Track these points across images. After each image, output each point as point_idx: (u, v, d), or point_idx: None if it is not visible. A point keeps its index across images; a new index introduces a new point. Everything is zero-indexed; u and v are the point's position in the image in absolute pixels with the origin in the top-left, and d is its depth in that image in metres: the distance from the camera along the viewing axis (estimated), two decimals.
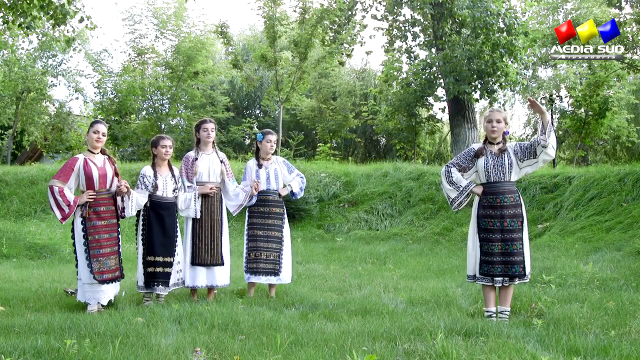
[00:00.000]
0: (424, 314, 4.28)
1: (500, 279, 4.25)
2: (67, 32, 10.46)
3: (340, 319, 4.22)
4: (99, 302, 4.75)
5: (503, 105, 16.69)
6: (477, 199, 4.45)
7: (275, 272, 5.38)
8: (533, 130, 25.37)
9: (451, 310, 4.50)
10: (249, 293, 5.38)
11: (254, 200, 5.43)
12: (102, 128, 4.90)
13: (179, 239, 5.21)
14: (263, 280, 5.36)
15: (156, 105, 22.08)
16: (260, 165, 5.47)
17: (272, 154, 5.59)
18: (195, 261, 5.17)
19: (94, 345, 3.40)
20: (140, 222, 5.08)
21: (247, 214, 5.50)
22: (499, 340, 3.44)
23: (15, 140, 22.24)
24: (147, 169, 5.14)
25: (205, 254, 5.20)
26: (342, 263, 8.18)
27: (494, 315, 4.30)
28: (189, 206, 5.18)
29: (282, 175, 5.56)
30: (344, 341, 3.46)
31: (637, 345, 3.34)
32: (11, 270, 7.51)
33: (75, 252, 4.84)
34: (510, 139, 4.68)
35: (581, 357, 3.20)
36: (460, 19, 14.83)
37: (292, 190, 5.56)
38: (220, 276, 5.28)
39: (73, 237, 4.85)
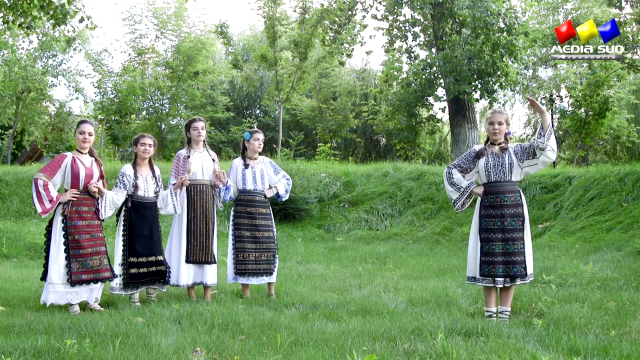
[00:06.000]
0: (424, 314, 4.28)
1: (501, 279, 4.24)
2: (67, 32, 10.49)
3: (340, 319, 4.22)
4: (72, 303, 4.62)
5: (503, 105, 16.67)
6: (479, 199, 4.45)
7: (269, 272, 5.39)
8: (533, 130, 25.34)
9: (451, 310, 4.50)
10: (244, 294, 5.38)
11: (231, 193, 5.40)
12: (89, 128, 4.76)
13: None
14: (254, 281, 5.36)
15: (156, 105, 22.11)
16: (247, 165, 5.46)
17: (259, 154, 5.60)
18: (190, 259, 5.17)
19: (94, 345, 3.39)
20: (122, 223, 4.99)
21: (232, 214, 5.46)
22: (499, 340, 3.44)
23: (15, 140, 22.24)
24: (127, 168, 5.07)
25: (199, 252, 5.21)
26: (342, 263, 8.18)
27: (494, 315, 4.30)
28: (167, 204, 5.14)
29: (268, 175, 5.56)
30: (344, 341, 3.46)
31: (637, 345, 3.34)
32: (11, 270, 7.50)
33: (46, 250, 4.70)
34: (511, 139, 4.67)
35: (581, 357, 3.20)
36: (460, 19, 14.83)
37: (277, 192, 5.57)
38: (211, 274, 5.27)
39: (47, 236, 4.74)
